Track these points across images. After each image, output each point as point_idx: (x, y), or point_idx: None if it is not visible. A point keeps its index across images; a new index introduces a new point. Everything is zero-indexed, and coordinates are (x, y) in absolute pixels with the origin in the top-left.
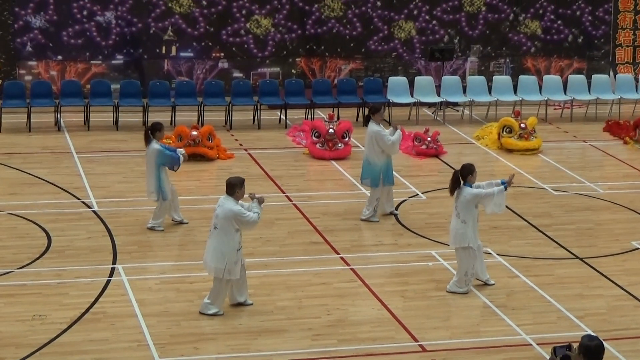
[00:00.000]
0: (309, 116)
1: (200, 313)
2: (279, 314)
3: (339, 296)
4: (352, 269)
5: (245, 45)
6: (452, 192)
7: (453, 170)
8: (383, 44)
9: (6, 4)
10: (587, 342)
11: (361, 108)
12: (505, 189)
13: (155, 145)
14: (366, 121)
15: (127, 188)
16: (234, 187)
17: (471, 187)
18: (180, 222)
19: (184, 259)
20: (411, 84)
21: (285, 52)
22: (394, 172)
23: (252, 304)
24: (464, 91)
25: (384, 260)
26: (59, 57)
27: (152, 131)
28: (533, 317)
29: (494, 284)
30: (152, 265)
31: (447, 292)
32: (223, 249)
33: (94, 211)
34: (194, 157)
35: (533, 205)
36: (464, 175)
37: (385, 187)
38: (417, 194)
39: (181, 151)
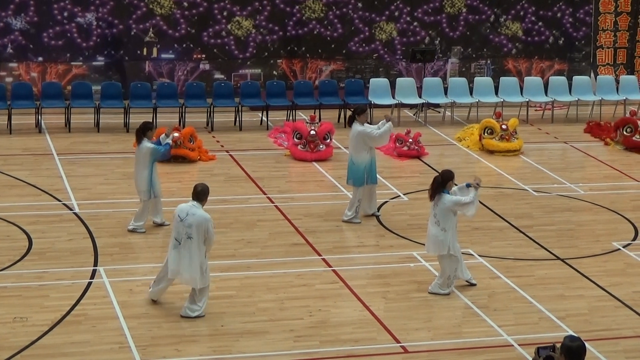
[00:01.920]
0: (291, 118)
1: (182, 316)
2: (260, 316)
3: (320, 297)
4: (334, 271)
5: (227, 47)
6: (432, 198)
7: (434, 175)
8: (364, 45)
9: None
10: (569, 343)
11: (343, 109)
12: (476, 189)
13: (147, 144)
14: (350, 122)
15: (108, 190)
16: (206, 194)
17: (449, 193)
18: (161, 224)
19: None
20: (392, 85)
21: (266, 54)
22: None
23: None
24: (445, 92)
25: (365, 261)
26: (40, 59)
27: (144, 130)
28: (515, 317)
29: (475, 284)
30: (134, 267)
31: (429, 293)
32: (199, 258)
33: (75, 213)
34: (175, 159)
35: (514, 206)
36: (445, 181)
37: (368, 187)
38: (399, 195)
39: (166, 139)
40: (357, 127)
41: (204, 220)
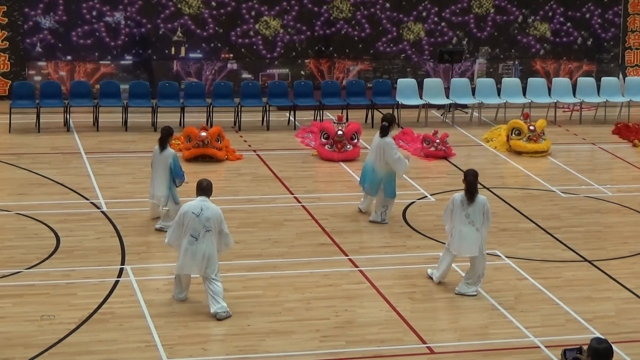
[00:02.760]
0: (318, 117)
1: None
2: (287, 315)
3: (347, 298)
4: (360, 271)
5: (254, 47)
6: (474, 199)
7: (468, 176)
8: (392, 45)
9: (16, 4)
10: (596, 345)
11: (370, 110)
12: None
13: (172, 150)
14: (386, 132)
15: (135, 189)
16: (211, 189)
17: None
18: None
19: None
20: (420, 85)
21: (294, 54)
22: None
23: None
24: (473, 93)
25: (392, 262)
26: (68, 58)
27: (168, 136)
28: (541, 319)
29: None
30: (161, 266)
31: (456, 294)
32: (215, 250)
33: (102, 212)
34: (202, 158)
35: (542, 208)
36: (477, 180)
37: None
38: (426, 196)
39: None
40: (388, 138)
41: (219, 212)
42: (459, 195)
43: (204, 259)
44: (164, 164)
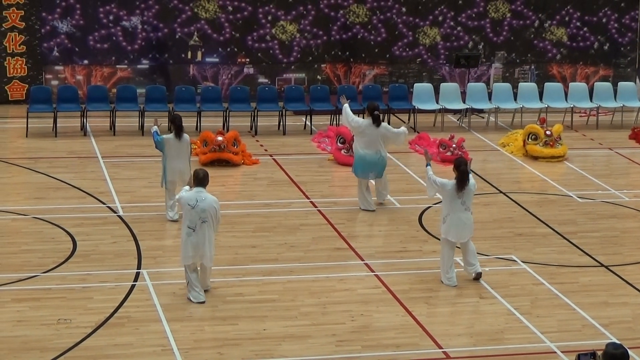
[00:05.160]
0: (334, 122)
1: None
2: (303, 320)
3: (363, 302)
4: (376, 275)
5: (271, 51)
6: (464, 188)
7: (463, 168)
8: (408, 49)
9: (33, 9)
10: (612, 350)
11: (387, 114)
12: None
13: (186, 136)
14: (380, 120)
15: (152, 193)
16: (208, 179)
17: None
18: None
19: None
20: (436, 90)
21: (310, 58)
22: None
23: None
24: (489, 98)
25: (408, 266)
26: (85, 62)
27: (181, 123)
28: (557, 324)
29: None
30: (177, 270)
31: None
32: (213, 239)
33: (119, 216)
34: (219, 163)
35: (558, 213)
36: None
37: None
38: (442, 201)
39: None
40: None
41: (215, 203)
42: (449, 183)
43: (210, 247)
44: (186, 148)
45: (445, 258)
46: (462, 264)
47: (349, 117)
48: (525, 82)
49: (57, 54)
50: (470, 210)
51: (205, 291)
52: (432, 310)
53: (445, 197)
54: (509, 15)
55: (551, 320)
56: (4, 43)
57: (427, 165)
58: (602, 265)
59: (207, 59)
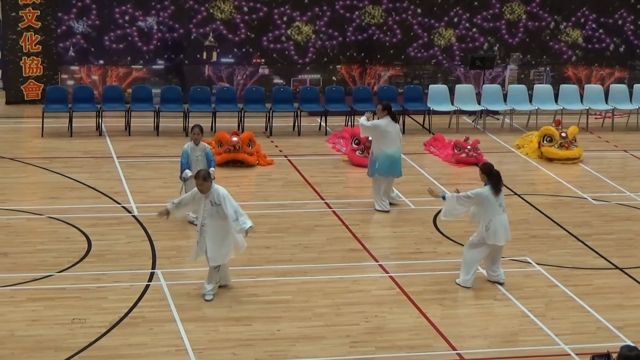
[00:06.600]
0: (349, 123)
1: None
2: (317, 321)
3: (377, 303)
4: (390, 277)
5: (286, 52)
6: (501, 190)
7: (496, 172)
8: (423, 51)
9: (49, 9)
10: (627, 353)
11: (402, 115)
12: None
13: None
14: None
15: (167, 193)
16: (211, 176)
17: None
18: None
19: None
20: (451, 91)
21: (325, 59)
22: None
23: None
24: (505, 99)
25: (422, 268)
26: (101, 62)
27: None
28: (572, 326)
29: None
30: (191, 271)
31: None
32: (229, 235)
33: (133, 216)
34: (233, 163)
35: (573, 215)
36: None
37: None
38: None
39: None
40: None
41: (225, 194)
42: (485, 190)
43: (222, 244)
44: (202, 154)
45: (476, 262)
46: (485, 270)
47: (367, 123)
48: (541, 83)
49: (72, 54)
50: (505, 211)
51: (222, 286)
52: (447, 311)
53: (483, 204)
54: (524, 16)
55: (565, 323)
56: (20, 43)
57: (443, 196)
58: (616, 267)
59: (223, 60)
